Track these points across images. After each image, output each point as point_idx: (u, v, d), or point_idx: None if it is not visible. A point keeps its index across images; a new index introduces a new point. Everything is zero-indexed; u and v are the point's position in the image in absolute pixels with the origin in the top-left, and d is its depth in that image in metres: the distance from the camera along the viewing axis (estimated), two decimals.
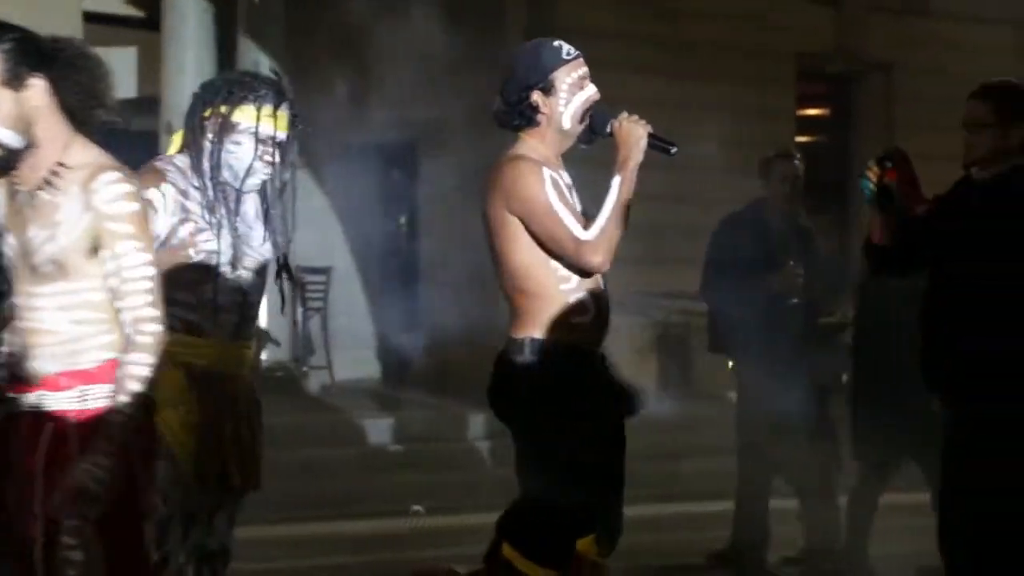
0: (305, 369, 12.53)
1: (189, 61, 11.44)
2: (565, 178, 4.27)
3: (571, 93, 4.23)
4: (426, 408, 11.63)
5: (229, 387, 4.15)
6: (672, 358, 12.03)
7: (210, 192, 4.09)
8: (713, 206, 12.70)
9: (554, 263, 4.18)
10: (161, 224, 4.04)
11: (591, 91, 4.27)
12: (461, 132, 13.07)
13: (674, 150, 4.23)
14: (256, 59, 11.98)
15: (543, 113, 4.22)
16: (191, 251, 4.07)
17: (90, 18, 12.59)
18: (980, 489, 4.59)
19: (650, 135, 4.21)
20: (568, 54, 4.25)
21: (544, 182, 4.15)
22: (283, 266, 4.29)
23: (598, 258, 4.13)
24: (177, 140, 4.24)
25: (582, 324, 4.20)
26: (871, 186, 4.66)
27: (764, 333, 6.69)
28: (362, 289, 13.94)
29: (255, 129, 4.10)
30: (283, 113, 4.16)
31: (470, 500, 8.32)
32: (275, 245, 4.26)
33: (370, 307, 13.98)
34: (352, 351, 13.45)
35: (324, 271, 13.51)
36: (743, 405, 7.10)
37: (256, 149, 4.11)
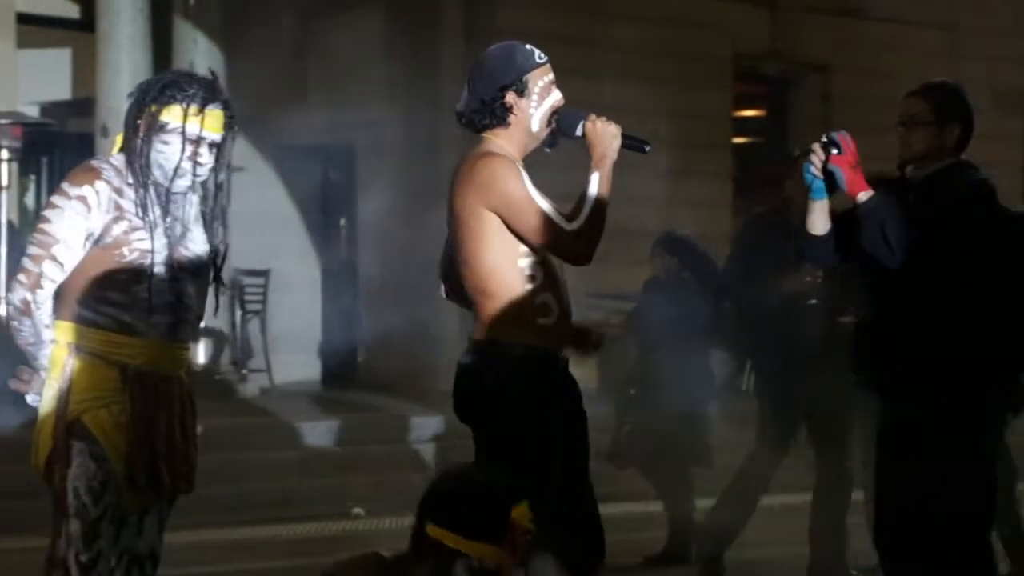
0: (244, 372, 12.46)
1: (124, 63, 11.34)
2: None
3: (542, 96, 4.28)
4: (366, 411, 11.60)
5: (164, 388, 4.12)
6: (610, 358, 12.06)
7: (141, 191, 4.07)
8: (652, 208, 12.78)
9: (521, 264, 4.19)
10: (95, 222, 4.03)
11: (558, 95, 4.32)
12: (400, 134, 13.05)
13: (648, 148, 4.29)
14: (192, 61, 11.90)
15: (514, 114, 4.27)
16: (125, 250, 4.05)
17: (24, 19, 12.47)
18: (914, 484, 4.64)
19: (624, 135, 4.26)
20: (540, 58, 4.31)
21: (519, 175, 4.19)
22: (217, 269, 4.26)
23: (587, 247, 4.17)
24: (119, 141, 4.23)
25: (545, 327, 4.20)
26: (813, 171, 4.63)
27: (782, 334, 6.55)
28: (301, 292, 13.88)
29: (182, 129, 4.08)
30: (215, 113, 4.13)
31: (411, 502, 8.31)
32: (211, 246, 4.24)
33: (309, 310, 13.93)
34: (291, 354, 13.40)
35: (263, 274, 13.44)
36: (768, 406, 6.88)
37: (184, 149, 4.09)
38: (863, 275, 4.84)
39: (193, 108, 4.08)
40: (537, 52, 4.31)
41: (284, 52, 12.79)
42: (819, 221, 4.73)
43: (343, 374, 13.51)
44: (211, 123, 4.11)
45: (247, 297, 13.20)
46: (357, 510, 9.12)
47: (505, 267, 4.19)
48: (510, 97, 4.26)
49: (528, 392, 4.16)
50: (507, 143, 4.28)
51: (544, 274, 4.20)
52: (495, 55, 4.33)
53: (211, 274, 4.25)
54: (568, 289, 4.31)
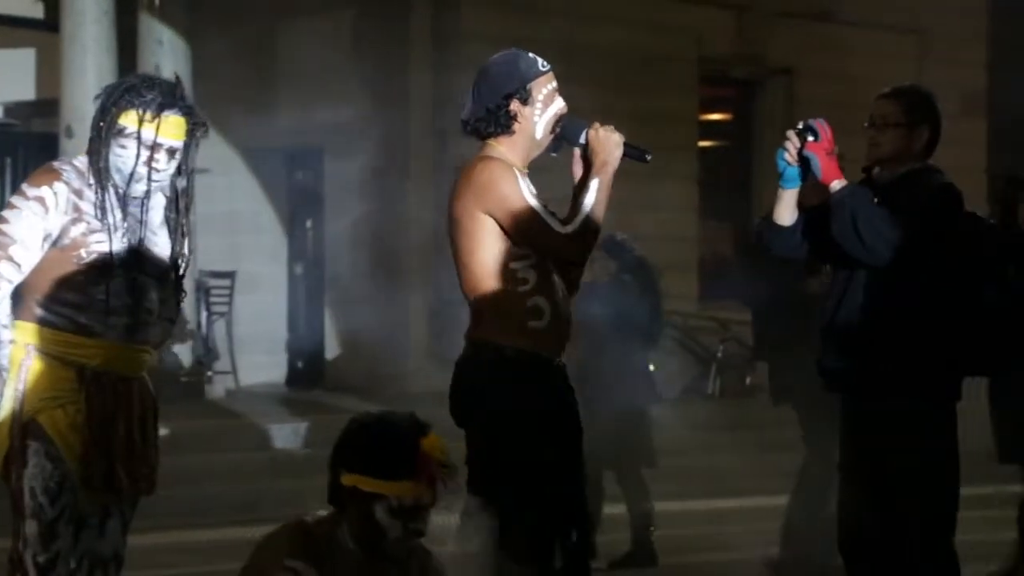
0: (210, 374, 12.42)
1: (89, 64, 11.28)
2: (531, 186, 4.32)
3: (546, 104, 4.33)
4: (333, 412, 11.57)
5: (122, 389, 4.11)
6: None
7: (100, 193, 4.07)
8: (617, 211, 12.79)
9: (514, 266, 4.23)
10: (52, 223, 4.03)
11: (561, 103, 4.36)
12: (367, 136, 13.04)
13: (649, 157, 4.33)
14: (157, 63, 11.85)
15: (518, 122, 4.31)
16: (83, 251, 4.04)
17: None
18: (878, 485, 4.67)
19: (626, 143, 4.31)
20: (543, 66, 4.36)
21: (518, 181, 4.23)
22: (179, 274, 4.25)
23: (580, 250, 4.24)
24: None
25: (536, 330, 4.23)
26: (787, 157, 4.62)
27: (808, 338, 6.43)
28: (268, 293, 13.85)
29: (136, 133, 4.08)
30: (173, 119, 4.11)
31: None
32: (172, 250, 4.23)
33: (276, 311, 13.90)
34: (257, 356, 13.36)
35: (229, 275, 13.40)
36: (802, 409, 6.81)
37: (139, 154, 4.08)
38: (833, 273, 4.86)
39: (148, 114, 4.08)
40: (540, 60, 4.35)
41: (251, 54, 12.76)
42: (786, 211, 4.75)
43: (309, 376, 13.49)
44: (167, 129, 4.10)
45: (213, 298, 13.16)
46: (323, 513, 9.10)
47: (498, 269, 4.23)
48: (514, 105, 4.30)
49: (513, 394, 4.20)
50: (510, 150, 4.32)
51: (538, 278, 4.24)
52: (499, 63, 4.37)
53: (174, 276, 4.23)
54: (567, 299, 4.34)
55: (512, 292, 4.23)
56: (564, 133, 4.34)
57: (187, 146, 4.16)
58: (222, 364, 12.66)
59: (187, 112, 4.15)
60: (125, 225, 4.10)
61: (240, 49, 12.44)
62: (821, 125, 4.60)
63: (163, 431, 11.12)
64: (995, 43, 15.63)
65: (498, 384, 4.21)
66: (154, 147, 4.08)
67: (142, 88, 4.11)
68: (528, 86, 4.30)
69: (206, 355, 12.43)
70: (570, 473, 4.28)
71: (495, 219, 4.22)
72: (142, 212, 4.15)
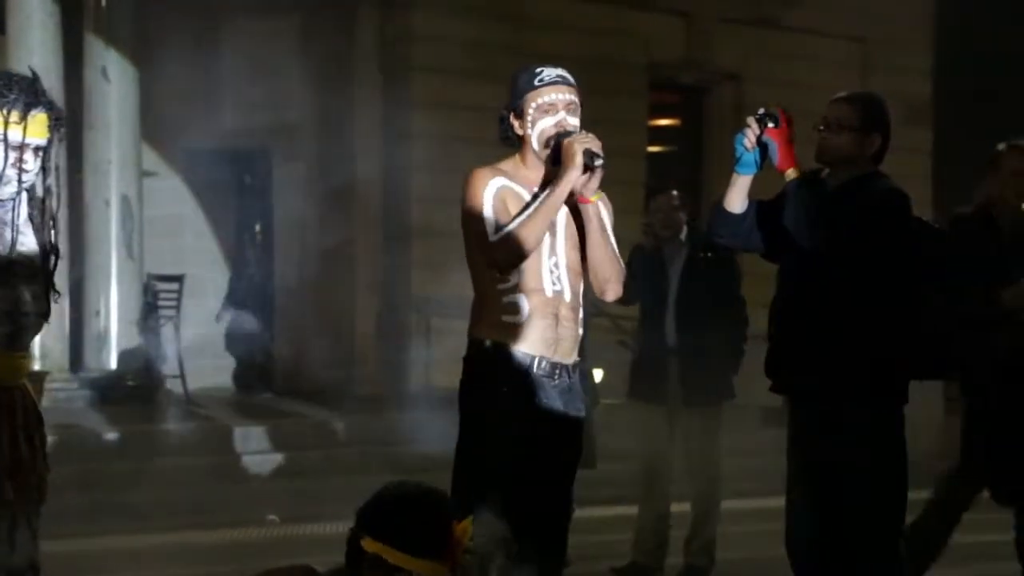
0: (157, 378, 12.35)
1: (36, 65, 11.19)
2: (520, 192, 4.42)
3: (535, 119, 4.44)
4: (281, 416, 11.55)
5: (4, 398, 4.02)
6: None
7: None
8: None
9: None
10: None
11: (551, 119, 4.43)
12: (314, 139, 13.02)
13: (598, 162, 4.36)
14: (104, 64, 11.79)
15: (518, 134, 4.47)
16: None
17: None
18: (827, 488, 4.71)
19: (585, 151, 4.35)
20: (539, 80, 4.46)
21: (485, 188, 4.38)
22: (49, 275, 4.13)
23: (500, 258, 4.36)
24: None
25: (513, 324, 4.37)
26: (746, 143, 4.65)
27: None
28: (216, 297, 13.79)
29: (3, 136, 3.95)
30: (39, 117, 3.99)
31: (328, 509, 8.29)
32: (42, 251, 4.10)
33: (224, 315, 13.84)
34: (205, 360, 13.30)
35: (177, 279, 13.32)
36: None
37: (6, 156, 3.96)
38: (779, 275, 4.90)
39: (15, 115, 3.95)
40: (539, 75, 4.46)
41: (198, 55, 12.70)
42: (738, 198, 4.78)
43: (258, 380, 13.44)
44: (34, 128, 3.99)
45: (161, 302, 13.07)
46: (272, 517, 9.08)
47: (481, 268, 4.42)
48: (513, 118, 4.46)
49: (482, 387, 4.38)
50: (518, 161, 4.48)
51: (520, 277, 4.38)
52: (513, 75, 4.53)
53: (45, 278, 4.11)
54: (571, 297, 4.45)
55: (492, 289, 4.40)
56: (553, 149, 4.42)
57: (50, 143, 4.05)
58: (170, 368, 12.58)
59: (50, 108, 4.03)
60: None
61: (186, 51, 12.38)
62: (781, 112, 4.67)
63: (112, 435, 11.07)
64: (940, 52, 15.78)
65: (470, 376, 4.43)
66: (22, 148, 3.97)
67: (2, 88, 3.98)
68: (521, 100, 4.44)
69: (155, 359, 12.37)
70: (546, 472, 4.34)
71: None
72: (12, 214, 4.04)
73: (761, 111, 4.68)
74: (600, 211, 4.48)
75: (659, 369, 7.19)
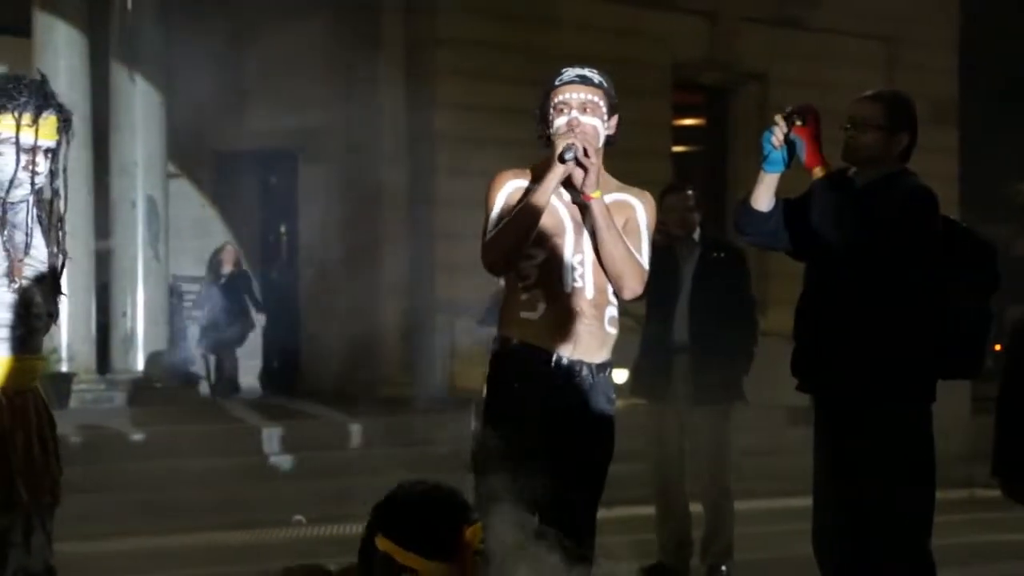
0: (184, 378, 12.40)
1: (62, 68, 11.25)
2: (571, 196, 4.45)
3: (553, 117, 4.49)
4: (307, 417, 11.58)
5: (18, 402, 4.00)
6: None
7: None
8: None
9: (518, 264, 4.45)
10: None
11: (564, 119, 4.46)
12: (340, 141, 13.04)
13: (568, 155, 4.37)
14: (130, 66, 11.84)
15: (544, 132, 4.51)
16: None
17: None
18: (852, 485, 4.69)
19: (566, 146, 4.38)
20: (560, 80, 4.50)
21: (499, 190, 4.47)
22: (57, 276, 4.11)
23: (486, 258, 4.46)
24: None
25: (529, 321, 4.41)
26: (773, 141, 4.63)
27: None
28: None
29: (16, 139, 3.93)
30: (48, 119, 3.99)
31: (353, 509, 8.30)
32: (51, 253, 4.09)
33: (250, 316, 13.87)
34: (232, 360, 13.34)
35: (202, 280, 13.38)
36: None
37: (19, 159, 3.94)
38: (806, 274, 4.88)
39: (27, 117, 3.94)
40: (560, 75, 4.51)
41: (223, 57, 12.74)
42: (765, 196, 4.75)
43: (284, 381, 13.47)
44: (45, 131, 3.98)
45: (187, 303, 13.14)
46: (298, 517, 9.10)
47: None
48: (540, 118, 4.52)
49: (502, 383, 4.46)
50: (548, 159, 4.46)
51: (540, 274, 4.42)
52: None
53: (53, 279, 4.09)
54: (592, 295, 4.44)
55: (514, 287, 4.48)
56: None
57: (59, 145, 4.03)
58: (196, 369, 12.64)
59: (59, 110, 4.02)
60: (3, 235, 3.98)
61: (213, 54, 12.42)
62: (810, 111, 4.64)
63: (139, 435, 11.12)
64: (965, 51, 15.73)
65: (490, 371, 4.52)
66: (34, 151, 3.96)
67: (13, 91, 3.96)
68: (545, 100, 4.50)
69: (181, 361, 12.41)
70: (562, 471, 4.33)
71: None
72: (26, 217, 4.03)
73: (789, 109, 4.67)
74: (605, 208, 4.44)
75: (665, 367, 7.18)
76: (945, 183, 13.12)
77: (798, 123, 4.63)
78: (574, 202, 4.47)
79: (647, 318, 7.41)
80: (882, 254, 4.62)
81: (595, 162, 4.39)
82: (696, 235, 7.27)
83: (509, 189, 4.44)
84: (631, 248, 4.45)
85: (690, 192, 7.34)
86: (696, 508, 7.34)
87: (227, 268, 12.97)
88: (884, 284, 4.64)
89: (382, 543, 3.55)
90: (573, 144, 4.36)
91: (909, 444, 4.68)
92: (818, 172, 4.63)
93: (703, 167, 14.87)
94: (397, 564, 3.53)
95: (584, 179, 4.38)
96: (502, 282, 7.76)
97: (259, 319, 13.47)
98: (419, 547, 3.52)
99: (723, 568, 7.24)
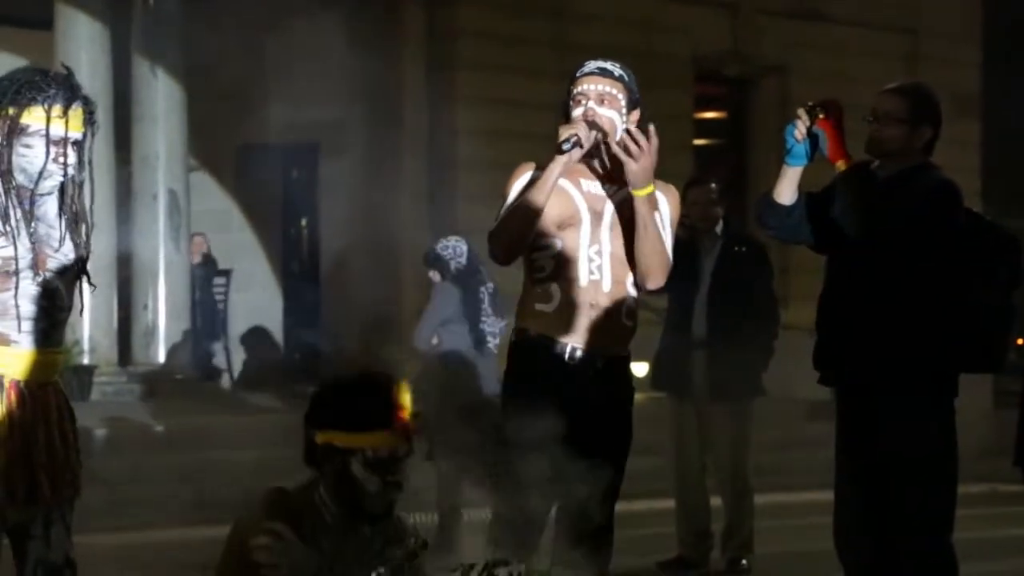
0: (205, 371, 12.43)
1: (83, 61, 11.28)
2: (590, 187, 4.47)
3: (571, 108, 4.50)
4: None
5: (40, 396, 4.01)
6: None
7: (2, 197, 3.94)
8: None
9: (534, 256, 4.46)
10: None
11: (580, 110, 4.46)
12: (362, 133, 13.04)
13: (566, 147, 4.37)
14: (152, 58, 11.87)
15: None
16: None
17: None
18: (875, 479, 4.68)
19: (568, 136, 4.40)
20: (580, 72, 4.52)
21: (515, 181, 4.48)
22: (82, 268, 4.13)
23: (490, 247, 4.48)
24: None
25: (544, 312, 4.42)
26: (796, 134, 4.62)
27: None
28: (263, 291, 13.85)
29: (46, 131, 3.95)
30: (76, 111, 4.00)
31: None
32: (76, 246, 4.10)
33: (271, 309, 13.90)
34: (253, 353, 13.37)
35: (224, 273, 13.41)
36: None
37: (48, 151, 3.96)
38: (828, 268, 4.87)
39: (57, 109, 3.95)
40: (581, 67, 4.53)
41: (245, 50, 12.76)
42: (788, 189, 4.74)
43: (305, 373, 13.48)
44: (74, 123, 3.99)
45: (218, 297, 13.17)
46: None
47: (524, 258, 4.50)
48: (563, 109, 4.54)
49: (517, 374, 4.50)
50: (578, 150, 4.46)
51: (555, 265, 4.42)
52: None
53: (76, 271, 4.10)
54: (610, 287, 4.44)
55: (530, 278, 4.48)
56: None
57: (85, 137, 4.04)
58: (218, 361, 12.67)
59: (86, 103, 4.04)
60: (30, 227, 3.99)
61: (234, 45, 12.44)
62: (833, 104, 4.63)
63: (161, 428, 11.15)
64: (988, 44, 15.66)
65: (508, 364, 4.55)
66: (63, 143, 3.97)
67: (41, 83, 3.97)
68: (568, 92, 4.52)
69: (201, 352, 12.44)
70: (543, 457, 4.30)
71: None
72: (55, 209, 4.05)
73: (811, 102, 4.66)
74: (656, 204, 4.46)
75: (685, 361, 7.17)
76: (967, 176, 13.09)
77: (821, 116, 4.62)
78: (613, 193, 4.47)
79: (668, 311, 7.41)
80: (904, 247, 4.60)
81: (646, 154, 4.39)
82: (719, 228, 7.26)
83: (525, 180, 4.44)
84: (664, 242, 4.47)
85: (713, 185, 7.33)
86: (716, 502, 7.34)
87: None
88: (906, 278, 4.63)
89: (321, 436, 3.59)
90: (575, 135, 4.36)
91: (931, 438, 4.66)
92: (841, 165, 4.62)
93: (724, 160, 14.84)
94: (341, 450, 3.57)
95: (631, 172, 4.38)
96: (435, 298, 7.92)
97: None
98: (354, 423, 3.56)
99: (743, 562, 7.23)
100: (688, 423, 7.22)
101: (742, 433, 7.29)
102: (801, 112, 4.65)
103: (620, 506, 4.62)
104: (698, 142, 14.42)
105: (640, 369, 7.74)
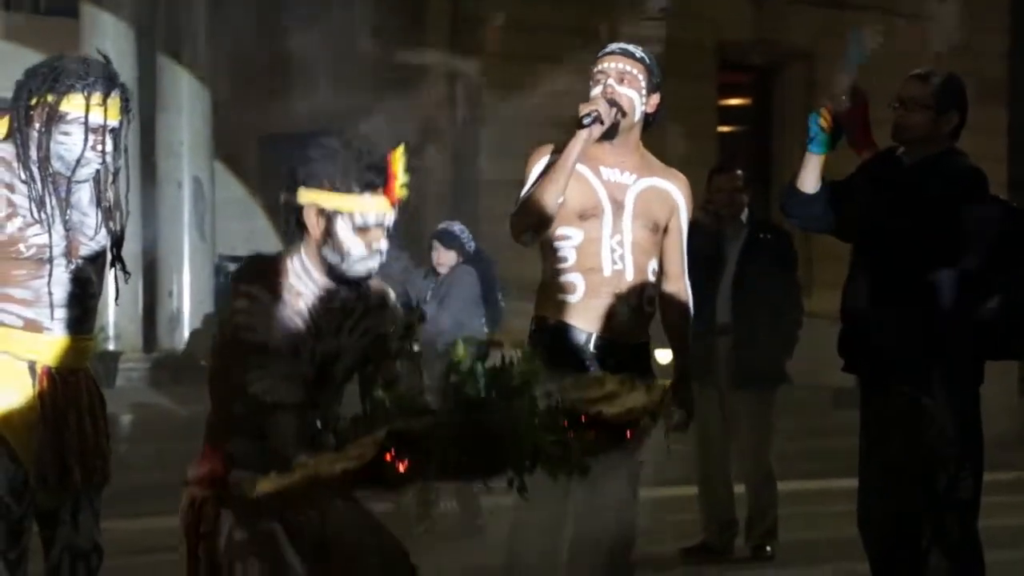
0: None
1: (108, 49, 11.29)
2: (611, 175, 4.46)
3: (593, 86, 4.50)
4: (346, 396, 11.60)
5: (72, 381, 4.05)
6: None
7: (39, 185, 3.96)
8: None
9: (556, 245, 4.45)
10: None
11: (598, 89, 4.46)
12: (383, 122, 13.03)
13: (587, 121, 4.37)
14: (177, 46, 11.89)
15: None
16: (21, 247, 3.94)
17: (9, 5, 12.44)
18: (900, 470, 4.67)
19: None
20: (600, 52, 4.52)
21: (534, 166, 4.46)
22: (116, 256, 4.17)
23: (513, 226, 4.46)
24: (2, 127, 4.06)
25: (567, 303, 4.42)
26: (821, 122, 4.60)
27: None
28: None
29: (85, 119, 3.97)
30: (114, 100, 4.02)
31: None
32: (110, 233, 4.14)
33: None
34: None
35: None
36: None
37: (87, 139, 3.98)
38: (853, 256, 4.86)
39: (96, 97, 3.97)
40: (608, 47, 4.52)
41: (268, 39, 12.76)
42: (812, 177, 4.72)
43: None
44: (112, 111, 4.02)
45: None
46: None
47: (546, 248, 4.49)
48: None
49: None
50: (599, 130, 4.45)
51: (578, 256, 4.42)
52: None
53: (109, 259, 4.15)
54: (634, 275, 4.45)
55: (552, 268, 4.47)
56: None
57: (122, 125, 4.07)
58: None
59: (123, 91, 4.07)
60: (65, 215, 4.01)
61: (257, 34, 12.45)
62: (858, 92, 4.61)
63: (185, 414, 11.18)
64: (1016, 31, 15.58)
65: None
66: (101, 131, 4.00)
67: (80, 71, 3.99)
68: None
69: None
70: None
71: None
72: (89, 196, 4.08)
73: (837, 90, 4.65)
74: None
75: (709, 348, 7.16)
76: (994, 163, 13.02)
77: (847, 105, 4.59)
78: (633, 182, 4.48)
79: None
80: (930, 235, 4.58)
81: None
82: (744, 216, 7.25)
83: (544, 163, 4.44)
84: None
85: (739, 173, 7.32)
86: (740, 489, 7.33)
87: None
88: (931, 265, 4.61)
89: (307, 197, 3.52)
90: (595, 110, 4.35)
91: (956, 426, 4.65)
92: (867, 154, 4.61)
93: (749, 147, 14.81)
94: (328, 214, 3.48)
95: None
96: (458, 279, 7.84)
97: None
98: (345, 185, 3.48)
99: (767, 548, 7.22)
100: (712, 410, 7.21)
101: (766, 420, 7.29)
102: (826, 100, 4.64)
103: (643, 492, 4.62)
104: (723, 129, 14.40)
105: (664, 356, 7.75)
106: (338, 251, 3.54)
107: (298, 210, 3.57)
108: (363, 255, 3.55)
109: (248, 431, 3.49)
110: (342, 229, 3.52)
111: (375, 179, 3.51)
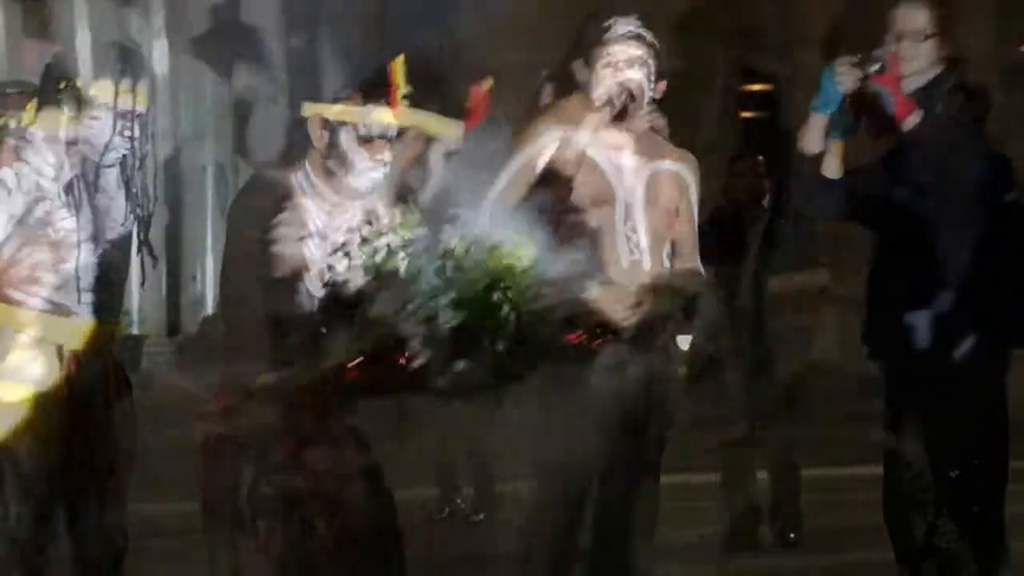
0: None
1: (136, 35, 11.33)
2: (622, 161, 4.41)
3: (602, 69, 4.43)
4: None
5: (98, 366, 4.10)
6: None
7: (67, 169, 4.01)
8: None
9: (569, 233, 4.32)
10: (16, 204, 3.96)
11: (611, 71, 4.42)
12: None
13: (597, 104, 4.38)
14: (198, 31, 11.91)
15: (571, 66, 4.51)
16: (50, 230, 3.99)
17: None
18: (925, 455, 4.66)
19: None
20: (614, 32, 4.44)
21: (526, 142, 4.43)
22: (144, 240, 4.22)
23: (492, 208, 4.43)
24: (31, 111, 4.08)
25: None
26: (840, 87, 4.35)
27: None
28: None
29: (113, 104, 4.02)
30: (143, 86, 4.08)
31: (408, 476, 8.33)
32: (137, 218, 4.18)
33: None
34: None
35: None
36: None
37: (115, 124, 4.03)
38: (875, 243, 4.82)
39: (125, 83, 4.03)
40: (614, 28, 4.49)
41: (291, 26, 12.78)
42: (836, 162, 4.63)
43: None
44: (141, 97, 4.07)
45: None
46: None
47: (559, 237, 4.37)
48: (575, 52, 4.54)
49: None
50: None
51: (591, 245, 4.33)
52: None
53: (136, 244, 4.19)
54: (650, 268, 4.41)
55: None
56: None
57: (150, 111, 4.12)
58: None
59: (151, 78, 4.14)
60: (93, 199, 4.05)
61: (281, 22, 12.47)
62: (891, 55, 4.32)
63: (208, 397, 11.22)
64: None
65: None
66: (130, 116, 4.04)
67: (111, 56, 4.05)
68: (591, 43, 4.48)
69: None
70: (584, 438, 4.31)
71: None
72: (115, 181, 4.11)
73: (863, 56, 4.34)
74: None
75: (729, 334, 7.14)
76: (1019, 146, 12.93)
77: (876, 69, 4.30)
78: (644, 166, 4.45)
79: (713, 285, 7.39)
80: (956, 219, 4.56)
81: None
82: (765, 202, 7.24)
83: (536, 138, 4.41)
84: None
85: (760, 158, 7.31)
86: (764, 476, 7.32)
87: None
88: (957, 250, 4.59)
89: (312, 110, 3.57)
90: (607, 94, 4.35)
91: (981, 413, 4.63)
92: (912, 120, 4.40)
93: (770, 133, 14.75)
94: (332, 125, 3.52)
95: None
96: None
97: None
98: (349, 96, 3.53)
99: (792, 536, 7.22)
100: (734, 396, 7.21)
101: (789, 407, 7.27)
102: (848, 63, 4.39)
103: (666, 479, 4.61)
104: (744, 115, 14.36)
105: (684, 342, 7.74)
106: (342, 163, 3.53)
107: (298, 122, 3.61)
108: (368, 166, 3.57)
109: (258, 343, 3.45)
110: (346, 140, 3.51)
111: (377, 90, 3.52)
